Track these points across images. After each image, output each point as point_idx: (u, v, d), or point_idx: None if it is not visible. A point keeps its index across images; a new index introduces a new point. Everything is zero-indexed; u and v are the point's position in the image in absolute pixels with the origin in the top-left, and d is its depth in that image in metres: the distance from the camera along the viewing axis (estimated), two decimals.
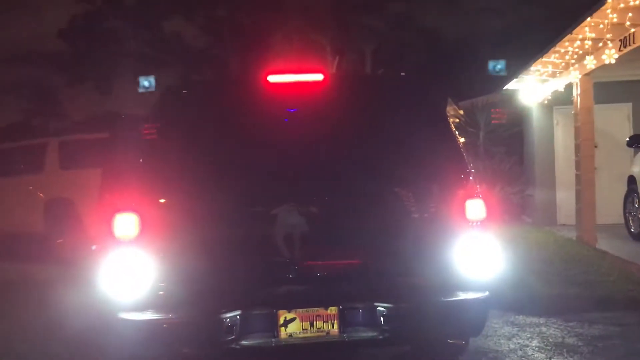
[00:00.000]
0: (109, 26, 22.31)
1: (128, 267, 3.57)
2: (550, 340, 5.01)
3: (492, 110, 13.03)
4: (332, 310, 3.59)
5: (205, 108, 4.04)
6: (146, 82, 4.07)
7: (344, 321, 3.59)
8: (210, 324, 3.53)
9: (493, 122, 13.04)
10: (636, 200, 8.73)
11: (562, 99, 10.18)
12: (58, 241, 10.02)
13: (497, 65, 4.19)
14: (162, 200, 3.70)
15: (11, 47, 25.52)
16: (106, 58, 22.37)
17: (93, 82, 23.49)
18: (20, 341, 5.31)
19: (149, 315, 3.55)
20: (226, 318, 3.51)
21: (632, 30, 6.97)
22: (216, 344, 3.55)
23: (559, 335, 5.13)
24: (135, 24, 22.02)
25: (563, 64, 9.15)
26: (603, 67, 7.93)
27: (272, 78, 3.97)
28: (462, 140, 4.24)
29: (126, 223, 3.59)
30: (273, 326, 3.56)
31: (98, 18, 22.08)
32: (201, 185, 3.71)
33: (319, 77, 4.00)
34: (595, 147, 9.39)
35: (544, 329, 5.30)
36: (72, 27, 22.21)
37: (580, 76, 8.79)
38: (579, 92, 8.95)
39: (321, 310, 3.59)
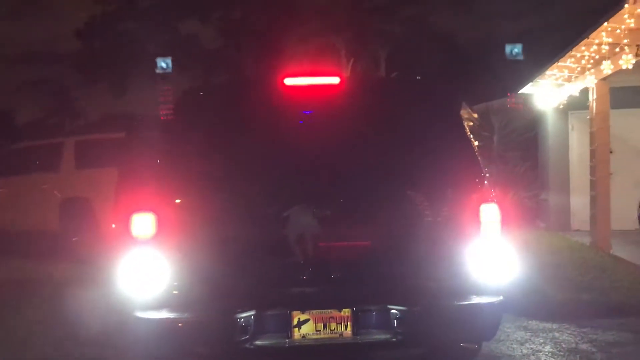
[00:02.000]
0: (126, 27, 22.50)
1: (145, 266, 3.61)
2: (564, 345, 5.00)
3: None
4: (346, 312, 3.61)
5: (222, 110, 4.08)
6: (163, 63, 4.09)
7: (358, 323, 3.61)
8: (224, 323, 3.56)
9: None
10: None
11: (577, 104, 10.13)
12: (73, 239, 10.13)
13: (514, 49, 4.18)
14: (178, 201, 3.75)
15: (29, 47, 25.84)
16: (123, 59, 22.55)
17: (109, 82, 23.69)
18: (37, 339, 5.38)
19: (164, 314, 3.59)
20: (240, 318, 3.55)
21: None
22: (230, 344, 3.58)
23: (572, 341, 5.11)
24: (152, 26, 22.18)
25: (579, 69, 9.11)
26: (619, 72, 7.88)
27: (289, 81, 4.00)
28: (476, 144, 4.25)
29: (143, 223, 3.64)
30: (287, 327, 3.59)
31: (115, 19, 22.26)
32: (217, 186, 3.75)
33: (335, 80, 4.02)
34: (611, 152, 9.32)
35: (557, 334, 5.29)
36: (90, 28, 22.42)
37: (596, 81, 8.74)
38: (594, 97, 8.91)
39: (335, 312, 3.61)
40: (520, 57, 4.20)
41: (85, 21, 22.53)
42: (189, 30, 22.97)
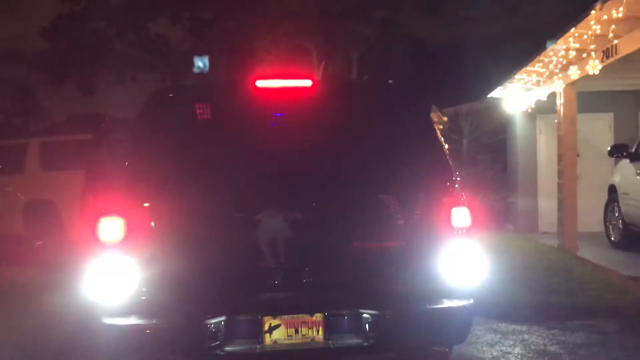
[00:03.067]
0: (94, 26, 22.12)
1: (112, 271, 3.53)
2: (533, 347, 5.05)
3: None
4: (318, 317, 3.58)
5: (192, 112, 4.02)
6: (200, 63, 4.03)
7: (329, 328, 3.59)
8: (194, 329, 3.50)
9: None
10: (616, 209, 8.84)
11: (545, 108, 10.29)
12: (37, 243, 9.90)
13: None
14: (147, 205, 3.67)
15: None
16: (90, 58, 22.17)
17: (76, 82, 23.26)
18: (2, 345, 5.22)
19: (133, 321, 3.52)
20: (211, 324, 3.49)
21: (615, 42, 7.07)
22: (200, 350, 3.52)
23: (541, 342, 5.17)
24: (120, 25, 21.85)
25: (547, 73, 9.25)
26: (586, 78, 8.02)
27: (260, 83, 3.96)
28: (446, 147, 4.27)
29: (111, 227, 3.55)
30: (258, 332, 3.55)
31: (83, 18, 21.87)
32: (187, 189, 3.69)
33: (307, 82, 4.00)
34: (578, 156, 9.50)
35: (526, 336, 5.34)
36: (56, 26, 21.98)
37: (564, 86, 8.89)
38: (562, 101, 9.06)
39: (306, 317, 3.58)
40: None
41: (52, 20, 22.07)
42: (158, 30, 22.70)
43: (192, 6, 21.68)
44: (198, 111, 4.01)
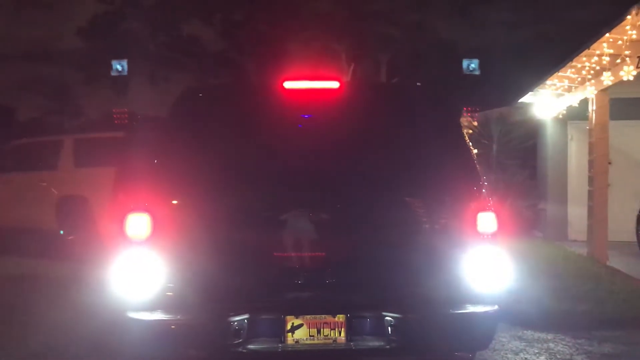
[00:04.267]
0: (128, 27, 22.50)
1: (139, 266, 3.59)
2: (558, 357, 4.98)
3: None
4: (340, 318, 3.59)
5: (220, 111, 4.07)
6: (119, 66, 4.06)
7: (352, 329, 3.59)
8: (217, 326, 3.54)
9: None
10: None
11: (577, 114, 10.13)
12: (69, 238, 10.10)
13: (471, 64, 4.20)
14: (174, 202, 3.72)
15: (31, 44, 25.83)
16: (124, 58, 22.53)
17: (110, 81, 23.66)
18: (31, 336, 5.35)
19: (157, 316, 3.57)
20: (234, 321, 3.53)
21: None
22: (223, 347, 3.55)
23: (567, 352, 5.09)
24: (154, 26, 22.18)
25: (579, 79, 9.11)
26: (620, 84, 7.88)
27: (288, 84, 3.99)
28: (475, 151, 4.24)
29: (138, 223, 3.62)
30: (280, 331, 3.57)
31: (117, 18, 22.26)
32: (214, 188, 3.73)
33: (334, 84, 4.01)
34: (609, 163, 9.32)
35: (552, 345, 5.27)
36: (92, 26, 22.42)
37: (596, 92, 8.75)
38: (594, 107, 8.91)
39: (329, 318, 3.59)
40: (477, 72, 4.20)
41: (89, 19, 22.54)
42: (190, 31, 22.97)
43: (223, 8, 21.88)
44: (226, 111, 4.05)
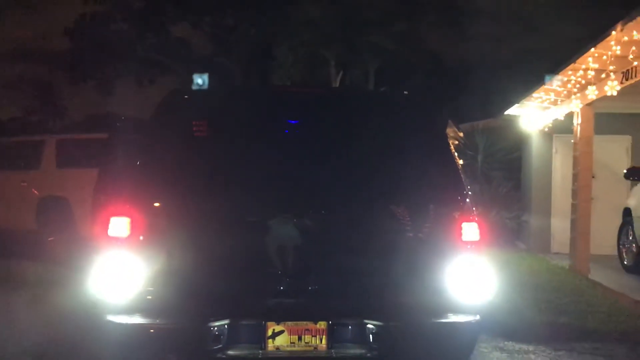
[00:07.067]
0: (115, 28, 22.35)
1: (118, 269, 3.54)
2: None
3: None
4: (322, 325, 3.56)
5: (204, 115, 4.03)
6: (200, 80, 4.07)
7: (333, 337, 3.57)
8: (197, 331, 3.50)
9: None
10: (630, 232, 8.73)
11: (562, 127, 10.22)
12: (49, 239, 9.97)
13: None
14: (155, 205, 3.68)
15: (16, 43, 25.60)
16: (110, 59, 22.38)
17: (95, 82, 23.49)
18: (8, 339, 5.25)
19: (136, 319, 3.52)
20: (214, 326, 3.49)
21: (635, 63, 7.01)
22: (202, 353, 3.51)
23: None
24: (142, 28, 22.06)
25: (565, 93, 9.20)
26: (604, 99, 7.96)
27: (276, 89, 3.97)
28: (460, 162, 4.25)
29: (119, 225, 3.57)
30: (261, 338, 3.54)
31: (105, 19, 22.10)
32: (196, 192, 3.70)
33: (322, 91, 4.00)
34: (593, 177, 9.40)
35: (532, 356, 5.27)
36: (78, 27, 22.22)
37: (581, 106, 8.83)
38: (579, 121, 8.99)
39: (310, 325, 3.56)
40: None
41: (75, 20, 22.35)
42: (179, 34, 22.88)
43: (213, 11, 21.84)
44: (210, 115, 4.02)
